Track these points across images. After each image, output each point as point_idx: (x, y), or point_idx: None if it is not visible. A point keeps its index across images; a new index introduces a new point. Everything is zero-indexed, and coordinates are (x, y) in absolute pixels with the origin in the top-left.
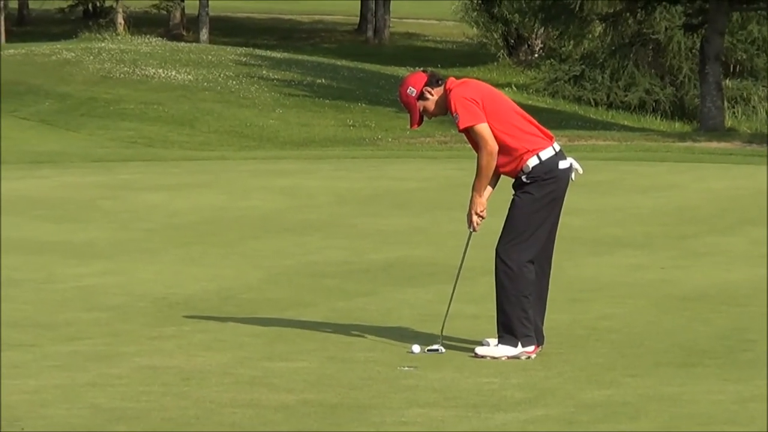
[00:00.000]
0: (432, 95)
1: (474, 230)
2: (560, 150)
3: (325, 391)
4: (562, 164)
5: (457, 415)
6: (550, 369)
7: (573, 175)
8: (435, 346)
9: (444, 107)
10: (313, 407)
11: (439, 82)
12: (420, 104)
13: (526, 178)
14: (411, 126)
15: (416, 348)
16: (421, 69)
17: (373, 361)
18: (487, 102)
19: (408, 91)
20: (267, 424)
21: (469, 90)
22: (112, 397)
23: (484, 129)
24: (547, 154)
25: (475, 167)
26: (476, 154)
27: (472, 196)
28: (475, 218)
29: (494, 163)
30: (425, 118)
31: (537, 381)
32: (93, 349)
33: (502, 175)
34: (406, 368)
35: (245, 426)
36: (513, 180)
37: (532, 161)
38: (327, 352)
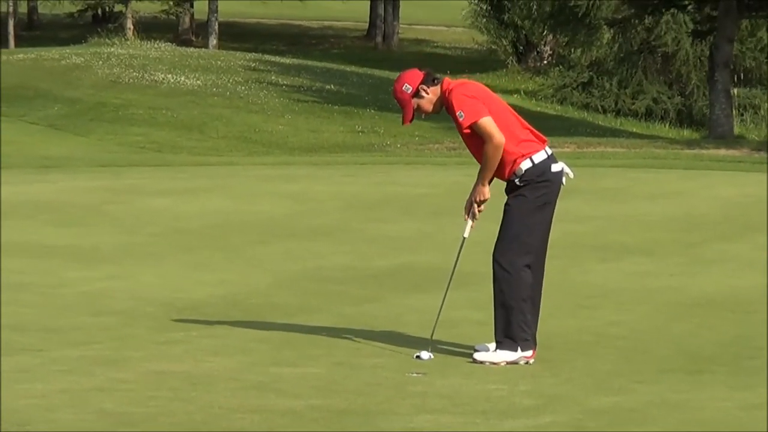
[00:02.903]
0: (427, 93)
1: (475, 217)
2: (552, 153)
3: (332, 396)
4: (555, 167)
5: (465, 421)
6: (557, 375)
7: (564, 180)
8: (424, 354)
9: (438, 106)
10: (320, 413)
11: (435, 81)
12: (414, 102)
13: (519, 182)
14: (403, 122)
15: (424, 354)
16: (417, 68)
17: (380, 366)
18: (487, 102)
19: (403, 87)
20: (274, 429)
21: (469, 89)
22: (120, 402)
23: (488, 122)
24: (540, 157)
25: (482, 161)
26: (475, 160)
27: (475, 185)
28: (475, 207)
29: (500, 155)
30: (417, 116)
31: (545, 387)
32: (100, 354)
33: (494, 181)
34: (414, 374)
35: (252, 431)
36: (505, 185)
37: (525, 164)
38: (334, 358)
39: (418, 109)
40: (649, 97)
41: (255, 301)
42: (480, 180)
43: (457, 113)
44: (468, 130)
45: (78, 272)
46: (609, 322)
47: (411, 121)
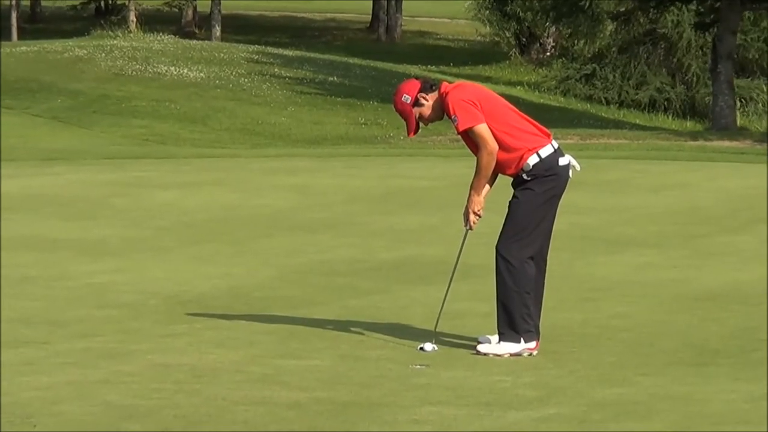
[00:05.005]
0: (427, 101)
1: (471, 228)
2: (559, 147)
3: (337, 389)
4: (562, 161)
5: (469, 413)
6: (561, 367)
7: (570, 172)
8: (427, 345)
9: (440, 112)
10: (324, 405)
11: (433, 88)
12: (416, 111)
13: (527, 176)
14: (408, 134)
15: (428, 346)
16: (413, 76)
17: (385, 359)
18: (484, 103)
19: (403, 98)
20: (279, 422)
21: (466, 92)
22: (124, 395)
23: (483, 129)
24: (546, 151)
25: (475, 167)
26: (476, 156)
27: (470, 195)
28: (472, 216)
29: (494, 163)
30: (421, 125)
31: (549, 379)
32: (105, 347)
33: (500, 175)
34: (418, 366)
35: (257, 424)
36: (512, 179)
37: (533, 159)
38: (339, 350)
39: (420, 118)
40: (652, 88)
41: (259, 294)
42: (473, 189)
43: (452, 117)
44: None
45: (83, 265)
46: (613, 314)
47: (416, 131)
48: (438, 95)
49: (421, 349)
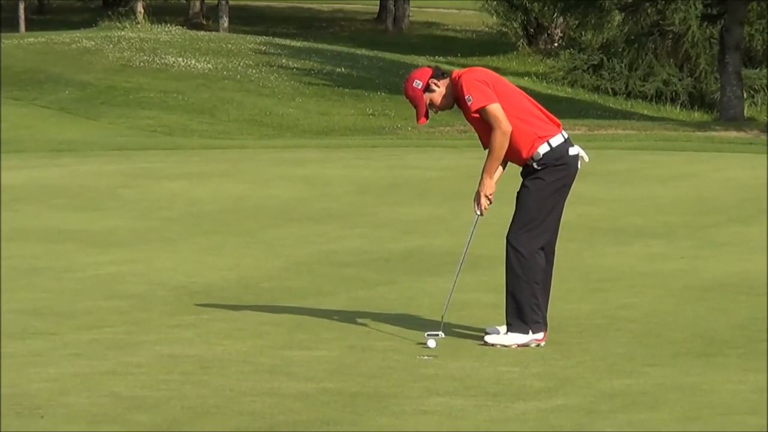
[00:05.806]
0: (438, 87)
1: (481, 214)
2: (568, 137)
3: (344, 379)
4: (572, 151)
5: (476, 404)
6: (569, 358)
7: (579, 163)
8: (431, 342)
9: (451, 99)
10: (332, 396)
11: (444, 75)
12: (426, 97)
13: (537, 165)
14: (417, 121)
15: (431, 342)
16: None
17: (392, 349)
18: (497, 86)
19: (414, 84)
20: (286, 412)
21: (479, 74)
22: (132, 386)
23: (496, 108)
24: (557, 141)
25: (487, 149)
26: (482, 146)
27: (482, 178)
28: (483, 200)
29: (507, 143)
30: (431, 114)
31: (556, 370)
32: (113, 338)
33: (510, 163)
34: (426, 357)
35: (265, 414)
36: (522, 168)
37: (543, 148)
38: (346, 341)
39: (431, 105)
40: (660, 79)
41: (267, 285)
42: (486, 172)
43: (466, 97)
44: (476, 115)
45: (91, 256)
46: (621, 305)
47: (426, 118)
48: (449, 81)
49: (427, 339)
